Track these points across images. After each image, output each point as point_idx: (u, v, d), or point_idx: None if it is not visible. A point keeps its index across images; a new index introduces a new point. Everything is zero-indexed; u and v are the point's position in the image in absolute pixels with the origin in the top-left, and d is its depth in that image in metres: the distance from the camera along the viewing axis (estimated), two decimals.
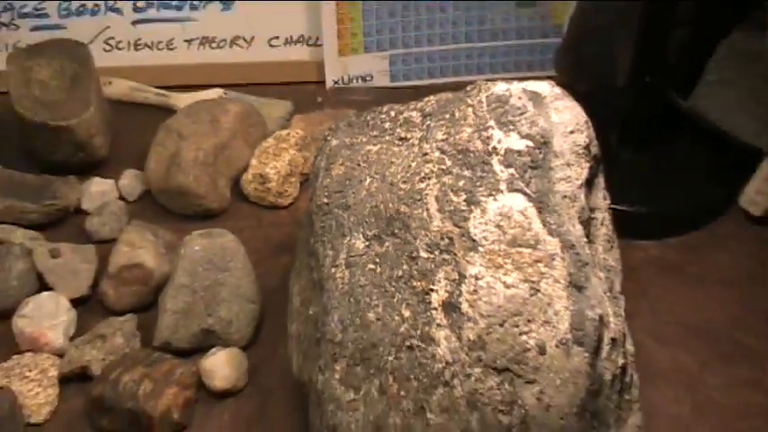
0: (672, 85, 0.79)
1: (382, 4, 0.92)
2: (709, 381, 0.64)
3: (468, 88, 0.59)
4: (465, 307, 0.49)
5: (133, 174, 0.82)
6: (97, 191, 0.80)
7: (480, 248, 0.51)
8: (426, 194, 0.54)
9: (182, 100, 0.90)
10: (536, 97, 0.57)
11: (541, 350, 0.48)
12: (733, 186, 0.77)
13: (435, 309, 0.50)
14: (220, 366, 0.63)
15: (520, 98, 0.57)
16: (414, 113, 0.60)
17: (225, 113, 0.81)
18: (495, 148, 0.54)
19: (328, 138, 0.62)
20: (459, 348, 0.49)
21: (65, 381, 0.65)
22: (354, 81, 0.96)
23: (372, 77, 0.96)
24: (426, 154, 0.56)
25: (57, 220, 0.79)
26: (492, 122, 0.56)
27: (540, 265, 0.50)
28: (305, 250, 0.61)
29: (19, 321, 0.67)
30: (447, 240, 0.51)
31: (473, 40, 0.94)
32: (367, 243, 0.54)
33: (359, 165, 0.58)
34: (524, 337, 0.48)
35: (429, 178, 0.54)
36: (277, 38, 0.95)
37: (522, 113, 0.56)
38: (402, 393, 0.49)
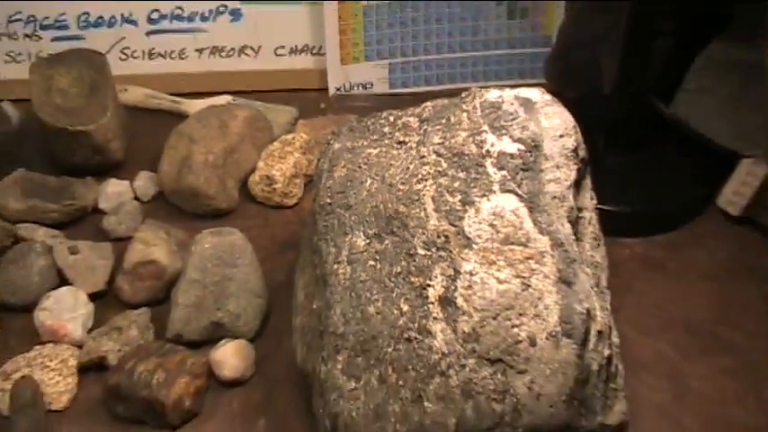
0: (654, 93, 0.78)
1: (382, 17, 0.92)
2: (690, 370, 0.64)
3: (463, 95, 0.59)
4: (460, 301, 0.49)
5: (147, 175, 0.82)
6: (113, 192, 0.80)
7: (474, 246, 0.50)
8: (423, 195, 0.54)
9: (193, 106, 0.90)
10: (527, 103, 0.57)
11: (532, 342, 0.48)
12: (712, 188, 0.77)
13: (432, 303, 0.50)
14: (229, 357, 0.63)
15: (512, 104, 0.56)
16: (411, 119, 0.59)
17: (233, 119, 0.81)
18: (488, 151, 0.54)
19: (331, 141, 0.61)
20: (454, 340, 0.48)
21: (83, 370, 0.65)
22: (355, 88, 0.95)
23: (372, 85, 0.95)
24: (423, 157, 0.56)
25: (76, 219, 0.78)
26: (486, 127, 0.55)
27: (530, 261, 0.50)
28: (309, 248, 0.61)
29: (40, 314, 0.67)
30: (443, 238, 0.51)
31: (467, 49, 0.94)
32: (367, 241, 0.54)
33: (360, 167, 0.58)
34: (516, 330, 0.48)
35: (426, 180, 0.54)
36: (283, 47, 0.95)
37: (513, 119, 0.56)
38: (400, 383, 0.49)
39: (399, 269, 0.52)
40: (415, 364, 0.49)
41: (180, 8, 0.93)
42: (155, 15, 0.93)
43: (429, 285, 0.50)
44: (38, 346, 0.66)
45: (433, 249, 0.51)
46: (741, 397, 0.62)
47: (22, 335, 0.68)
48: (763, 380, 0.63)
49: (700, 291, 0.70)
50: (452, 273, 0.50)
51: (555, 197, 0.53)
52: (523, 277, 0.49)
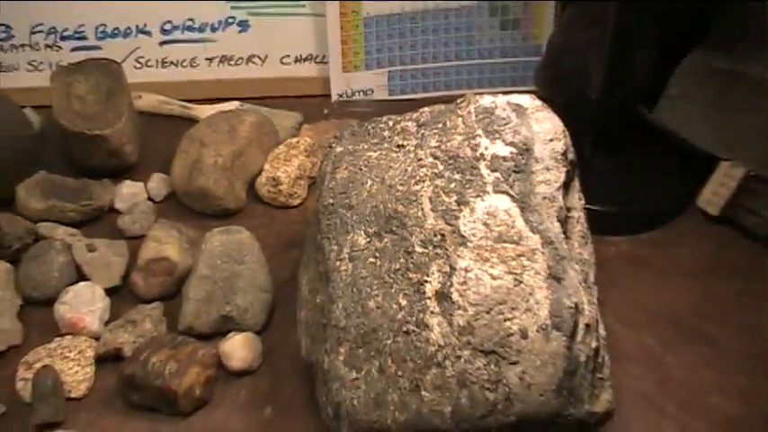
0: (638, 99, 0.78)
1: (382, 28, 0.91)
2: (671, 360, 0.64)
3: (459, 101, 0.58)
4: (456, 296, 0.49)
5: (160, 177, 0.82)
6: (128, 192, 0.80)
7: (469, 244, 0.50)
8: (421, 195, 0.53)
9: (203, 112, 0.90)
10: (519, 109, 0.56)
11: (524, 335, 0.47)
12: (692, 189, 0.76)
13: (429, 298, 0.49)
14: (237, 349, 0.63)
15: (504, 110, 0.56)
16: (410, 123, 0.59)
17: (241, 123, 0.81)
18: (482, 154, 0.54)
19: (333, 145, 0.61)
20: (450, 333, 0.48)
21: (100, 361, 0.64)
22: (357, 95, 0.95)
23: (373, 91, 0.95)
24: (421, 159, 0.55)
25: (93, 218, 0.78)
26: (480, 131, 0.55)
27: (522, 258, 0.49)
28: (312, 245, 0.60)
29: (60, 308, 0.67)
30: (439, 237, 0.51)
31: (463, 58, 0.94)
32: (368, 239, 0.53)
33: (361, 169, 0.57)
34: (508, 323, 0.48)
35: (423, 181, 0.54)
36: (288, 56, 0.95)
37: (506, 123, 0.55)
38: (399, 373, 0.49)
39: (398, 266, 0.51)
40: (413, 355, 0.49)
41: (191, 19, 0.92)
42: (167, 26, 0.93)
43: (426, 281, 0.50)
44: (58, 338, 0.66)
45: (430, 247, 0.51)
46: (719, 385, 0.62)
47: (43, 327, 0.68)
48: (738, 369, 0.63)
49: (681, 286, 0.70)
50: (448, 269, 0.50)
51: (545, 198, 0.53)
52: (515, 273, 0.49)
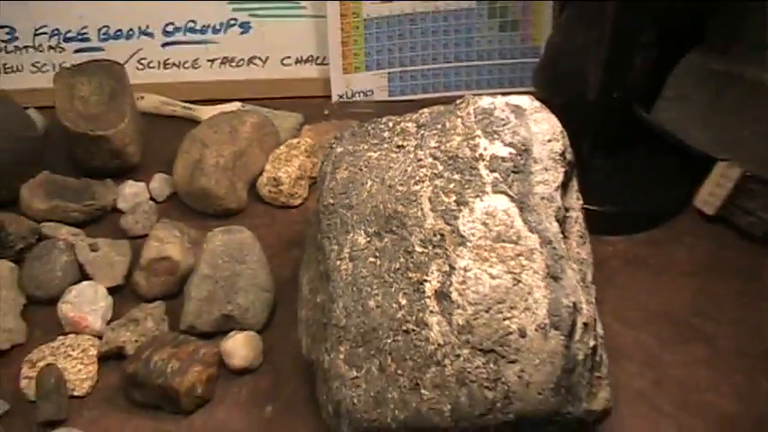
0: (636, 100, 0.78)
1: (382, 29, 0.91)
2: (668, 359, 0.64)
3: (458, 102, 0.58)
4: (455, 295, 0.49)
5: (162, 177, 0.81)
6: (131, 192, 0.80)
7: (468, 243, 0.50)
8: (421, 196, 0.53)
9: (205, 112, 0.90)
10: (517, 110, 0.56)
11: (522, 334, 0.47)
12: (689, 189, 0.76)
13: (428, 297, 0.49)
14: (239, 347, 0.63)
15: (503, 110, 0.56)
16: (409, 124, 0.59)
17: (243, 124, 0.81)
18: (481, 154, 0.54)
19: (334, 145, 0.61)
20: (449, 332, 0.48)
21: (103, 359, 0.64)
22: (357, 96, 0.95)
23: (373, 92, 0.95)
24: (421, 160, 0.55)
25: (96, 218, 0.78)
26: (479, 132, 0.55)
27: (521, 258, 0.49)
28: (313, 245, 0.60)
29: (63, 307, 0.67)
30: (439, 236, 0.51)
31: (462, 60, 0.94)
32: (368, 239, 0.53)
33: (361, 169, 0.57)
34: (507, 322, 0.47)
35: (423, 181, 0.54)
36: (289, 57, 0.95)
37: (505, 124, 0.55)
38: (399, 372, 0.49)
39: (398, 265, 0.51)
40: (412, 354, 0.49)
41: (193, 21, 0.92)
42: (170, 28, 0.93)
43: (426, 281, 0.50)
44: (61, 337, 0.66)
45: (430, 247, 0.51)
46: (715, 383, 0.62)
47: (46, 326, 0.68)
48: (735, 367, 0.63)
49: (679, 285, 0.70)
50: (448, 269, 0.50)
51: (544, 198, 0.53)
52: (514, 273, 0.49)
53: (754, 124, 0.72)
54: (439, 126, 0.57)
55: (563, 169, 0.55)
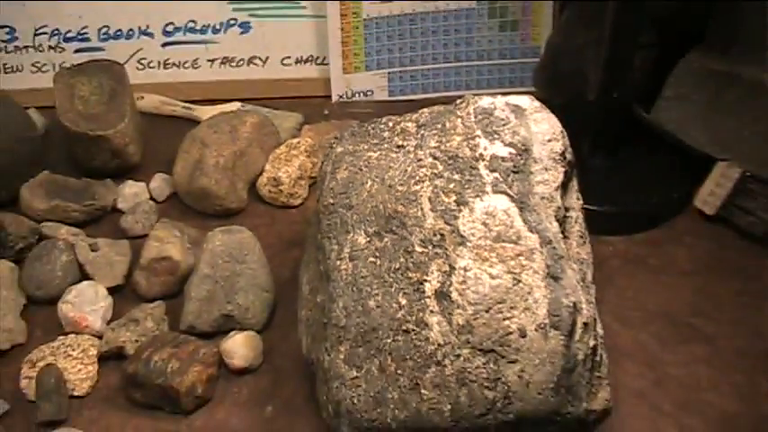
0: (636, 100, 0.78)
1: (382, 29, 0.91)
2: (668, 358, 0.64)
3: (458, 102, 0.58)
4: (455, 295, 0.48)
5: (162, 177, 0.81)
6: (131, 192, 0.80)
7: (468, 243, 0.50)
8: (421, 195, 0.53)
9: (205, 112, 0.90)
10: (517, 110, 0.56)
11: (522, 333, 0.47)
12: (688, 189, 0.76)
13: (428, 297, 0.49)
14: (239, 347, 0.63)
15: (503, 110, 0.56)
16: (409, 124, 0.59)
17: (243, 124, 0.81)
18: (481, 154, 0.54)
19: (334, 145, 0.61)
20: (449, 332, 0.48)
21: (103, 359, 0.64)
22: (357, 96, 0.95)
23: (373, 92, 0.95)
24: (421, 160, 0.55)
25: (96, 218, 0.78)
26: (479, 132, 0.55)
27: (521, 258, 0.49)
28: (313, 245, 0.60)
29: (63, 307, 0.67)
30: (439, 236, 0.51)
31: (462, 59, 0.94)
32: (368, 239, 0.53)
33: (361, 169, 0.57)
34: (507, 322, 0.47)
35: (423, 181, 0.54)
36: (289, 57, 0.95)
37: (505, 124, 0.55)
38: (399, 372, 0.49)
39: (398, 265, 0.51)
40: (412, 354, 0.49)
41: (193, 21, 0.92)
42: (170, 28, 0.93)
43: (426, 280, 0.50)
44: (61, 337, 0.66)
45: (430, 247, 0.51)
46: (715, 383, 0.62)
47: (46, 326, 0.68)
48: (735, 367, 0.63)
49: (678, 285, 0.70)
50: (448, 269, 0.49)
51: (544, 198, 0.53)
52: (514, 273, 0.48)
53: (753, 124, 0.72)
54: (439, 126, 0.57)
55: (563, 169, 0.55)
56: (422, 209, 0.52)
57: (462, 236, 0.50)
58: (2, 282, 0.68)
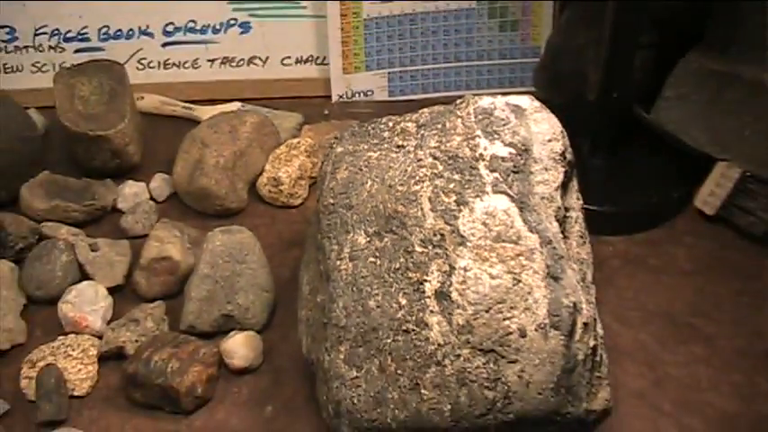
0: (636, 100, 0.78)
1: (382, 29, 0.91)
2: (668, 358, 0.64)
3: (458, 102, 0.58)
4: (455, 295, 0.48)
5: (162, 177, 0.81)
6: (131, 192, 0.80)
7: (468, 243, 0.50)
8: (421, 196, 0.53)
9: (205, 112, 0.90)
10: (517, 110, 0.56)
11: (522, 333, 0.47)
12: (689, 189, 0.76)
13: (429, 297, 0.49)
14: (239, 347, 0.63)
15: (503, 110, 0.56)
16: (409, 124, 0.59)
17: (243, 124, 0.81)
18: (481, 154, 0.54)
19: (334, 145, 0.61)
20: (449, 332, 0.48)
21: (103, 359, 0.64)
22: (357, 96, 0.95)
23: (373, 92, 0.95)
24: (421, 160, 0.55)
25: (96, 218, 0.78)
26: (479, 132, 0.55)
27: (521, 258, 0.49)
28: (313, 245, 0.60)
29: (63, 307, 0.67)
30: (439, 236, 0.51)
31: (462, 59, 0.94)
32: (368, 239, 0.53)
33: (361, 169, 0.57)
34: (507, 322, 0.47)
35: (423, 181, 0.54)
36: (289, 57, 0.95)
37: (505, 124, 0.55)
38: (399, 372, 0.49)
39: (398, 265, 0.51)
40: (412, 354, 0.49)
41: (193, 21, 0.92)
42: (170, 28, 0.92)
43: (426, 281, 0.50)
44: (61, 337, 0.66)
45: (430, 247, 0.51)
46: (715, 383, 0.62)
47: (46, 326, 0.68)
48: (734, 367, 0.63)
49: (678, 285, 0.70)
50: (448, 269, 0.49)
51: (544, 198, 0.53)
52: (514, 273, 0.48)
53: (753, 124, 0.72)
54: (439, 126, 0.57)
55: (563, 169, 0.55)
56: (422, 209, 0.52)
57: (462, 236, 0.50)
58: (2, 282, 0.68)
